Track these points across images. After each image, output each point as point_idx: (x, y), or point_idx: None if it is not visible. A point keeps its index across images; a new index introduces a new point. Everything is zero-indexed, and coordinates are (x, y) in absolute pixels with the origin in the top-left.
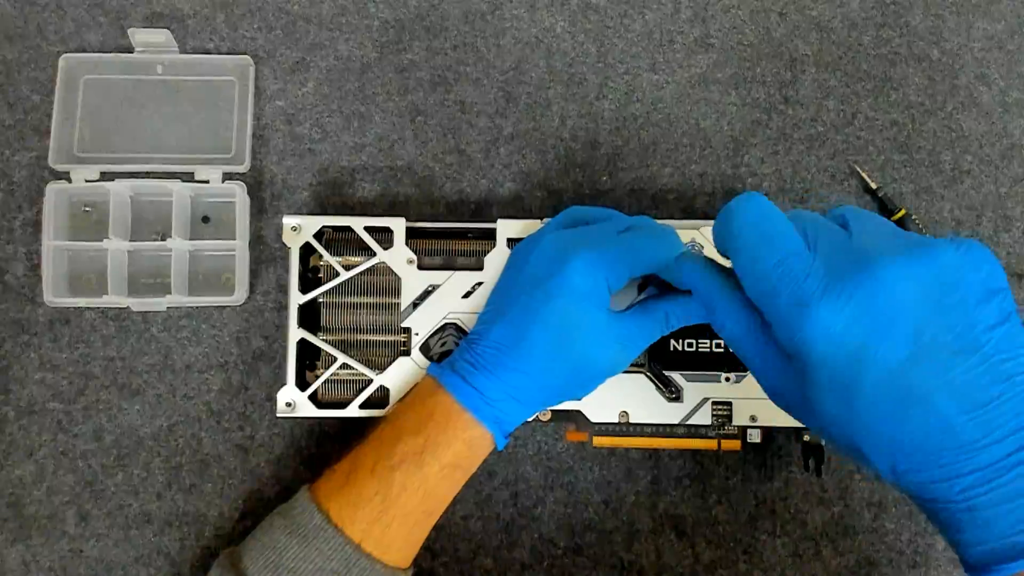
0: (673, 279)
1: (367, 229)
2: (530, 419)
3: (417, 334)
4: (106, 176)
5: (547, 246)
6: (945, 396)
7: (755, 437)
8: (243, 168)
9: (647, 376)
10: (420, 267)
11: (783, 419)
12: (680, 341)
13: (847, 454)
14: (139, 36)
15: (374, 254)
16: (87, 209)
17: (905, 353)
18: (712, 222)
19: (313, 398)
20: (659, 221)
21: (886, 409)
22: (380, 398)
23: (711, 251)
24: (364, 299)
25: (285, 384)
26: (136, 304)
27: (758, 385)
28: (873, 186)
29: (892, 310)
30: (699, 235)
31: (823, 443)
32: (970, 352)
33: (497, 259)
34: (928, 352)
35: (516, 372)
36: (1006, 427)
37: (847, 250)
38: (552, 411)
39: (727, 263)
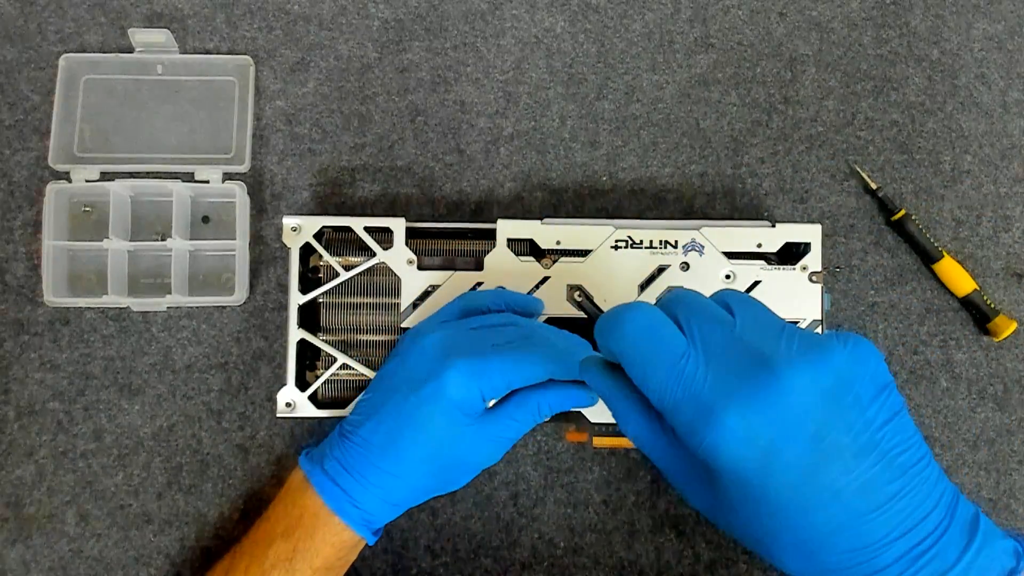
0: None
1: (367, 229)
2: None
3: None
4: (106, 176)
5: (428, 348)
6: (853, 496)
7: None
8: (243, 168)
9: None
10: (420, 267)
11: None
12: None
13: (757, 551)
14: (139, 36)
15: (374, 254)
16: (87, 209)
17: (810, 457)
18: (711, 222)
19: (313, 398)
20: (659, 221)
21: (796, 512)
22: None
23: (711, 251)
24: (364, 299)
25: (285, 384)
26: (136, 304)
27: None
28: (873, 186)
29: (794, 415)
30: (699, 235)
31: None
32: (870, 450)
33: (497, 259)
34: (831, 454)
35: (386, 475)
36: (908, 520)
37: (740, 350)
38: None
39: None
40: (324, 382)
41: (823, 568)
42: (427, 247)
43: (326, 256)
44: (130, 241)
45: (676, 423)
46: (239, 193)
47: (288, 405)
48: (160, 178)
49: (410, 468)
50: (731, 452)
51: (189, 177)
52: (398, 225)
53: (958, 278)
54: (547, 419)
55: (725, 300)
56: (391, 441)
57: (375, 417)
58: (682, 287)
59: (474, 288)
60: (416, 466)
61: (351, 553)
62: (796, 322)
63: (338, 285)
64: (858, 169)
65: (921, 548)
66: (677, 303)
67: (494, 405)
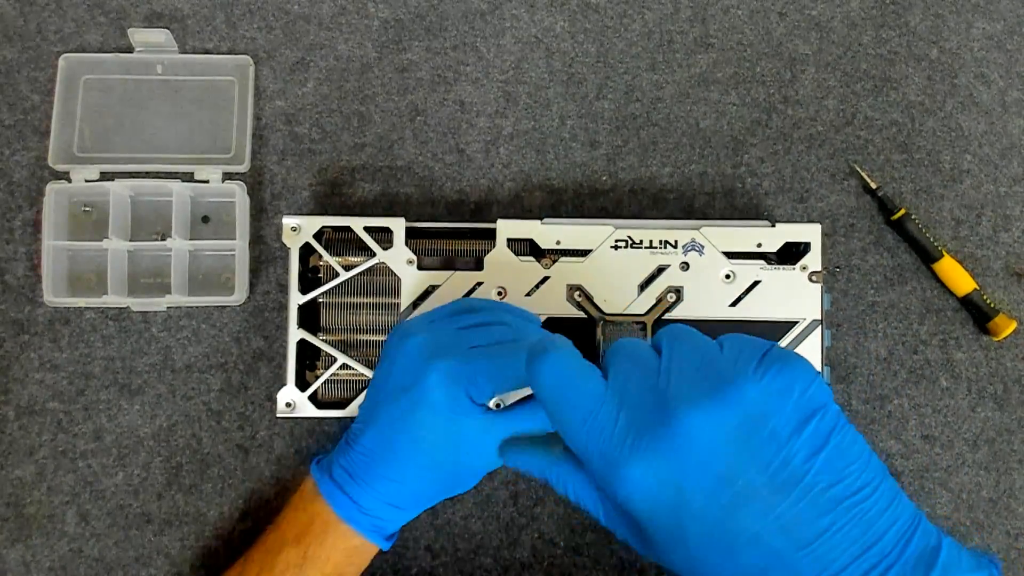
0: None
1: (367, 229)
2: None
3: None
4: (106, 176)
5: (411, 351)
6: (775, 535)
7: None
8: (243, 168)
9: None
10: (420, 267)
11: None
12: None
13: None
14: (139, 36)
15: (374, 254)
16: (87, 209)
17: (723, 500)
18: (711, 222)
19: (313, 398)
20: (659, 221)
21: (717, 557)
22: None
23: (711, 251)
24: (364, 299)
25: (285, 384)
26: (136, 304)
27: None
28: (873, 186)
29: (699, 459)
30: (699, 235)
31: None
32: (791, 486)
33: (497, 259)
34: (745, 495)
35: (390, 481)
36: (843, 558)
37: (652, 394)
38: None
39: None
40: (324, 382)
41: None
42: (427, 247)
43: (326, 256)
44: (130, 241)
45: (592, 473)
46: (239, 193)
47: (288, 405)
48: (160, 178)
49: (412, 473)
50: (642, 503)
51: (189, 177)
52: (398, 225)
53: (958, 278)
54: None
55: (659, 339)
56: (389, 448)
57: (373, 424)
58: (630, 338)
59: (474, 289)
60: (417, 471)
61: (362, 559)
62: (795, 322)
63: (338, 285)
64: (858, 169)
65: None
66: (612, 351)
67: (503, 408)
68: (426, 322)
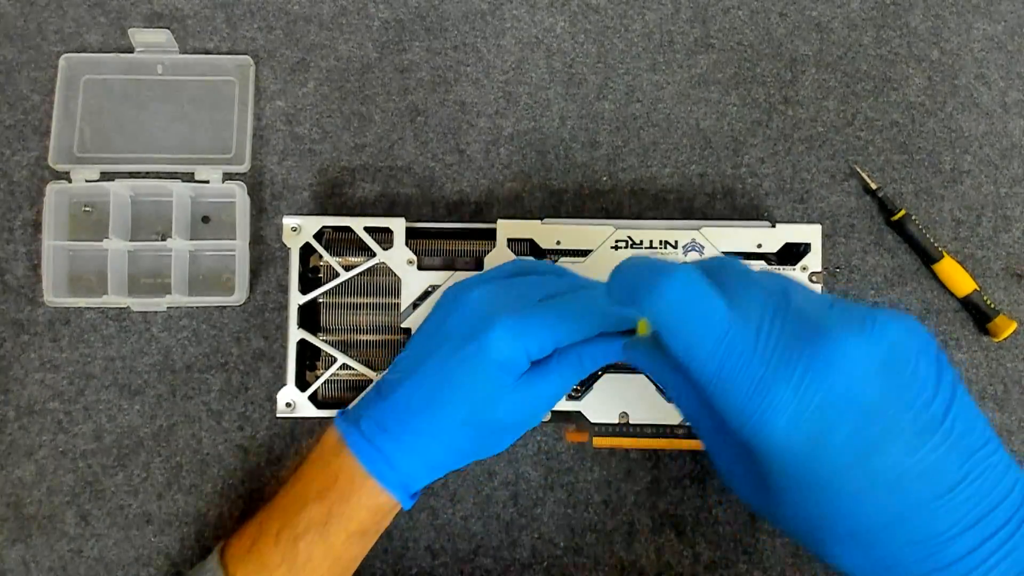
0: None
1: (367, 229)
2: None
3: None
4: (106, 176)
5: (473, 303)
6: (914, 480)
7: None
8: (243, 168)
9: (647, 376)
10: (420, 267)
11: None
12: None
13: (810, 549)
14: (139, 36)
15: (374, 254)
16: (87, 209)
17: (867, 436)
18: (711, 222)
19: (313, 398)
20: (659, 221)
21: (850, 497)
22: None
23: (711, 252)
24: (364, 299)
25: (285, 384)
26: (136, 304)
27: None
28: (873, 186)
29: (850, 388)
30: (699, 236)
31: None
32: (933, 429)
33: (497, 259)
34: (891, 433)
35: (425, 436)
36: (976, 510)
37: (790, 321)
38: (552, 411)
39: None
40: (324, 382)
41: (882, 564)
42: (427, 247)
43: (326, 256)
44: (130, 241)
45: (721, 400)
46: (239, 193)
47: (288, 405)
48: (160, 178)
49: (450, 429)
50: (778, 432)
51: (189, 177)
52: (398, 225)
53: (958, 278)
54: (590, 373)
55: (773, 276)
56: (430, 401)
57: (415, 376)
58: (727, 256)
59: None
60: (456, 428)
61: (386, 518)
62: None
63: (338, 285)
64: (858, 169)
65: (994, 543)
66: (723, 270)
67: (536, 364)
68: (485, 279)
